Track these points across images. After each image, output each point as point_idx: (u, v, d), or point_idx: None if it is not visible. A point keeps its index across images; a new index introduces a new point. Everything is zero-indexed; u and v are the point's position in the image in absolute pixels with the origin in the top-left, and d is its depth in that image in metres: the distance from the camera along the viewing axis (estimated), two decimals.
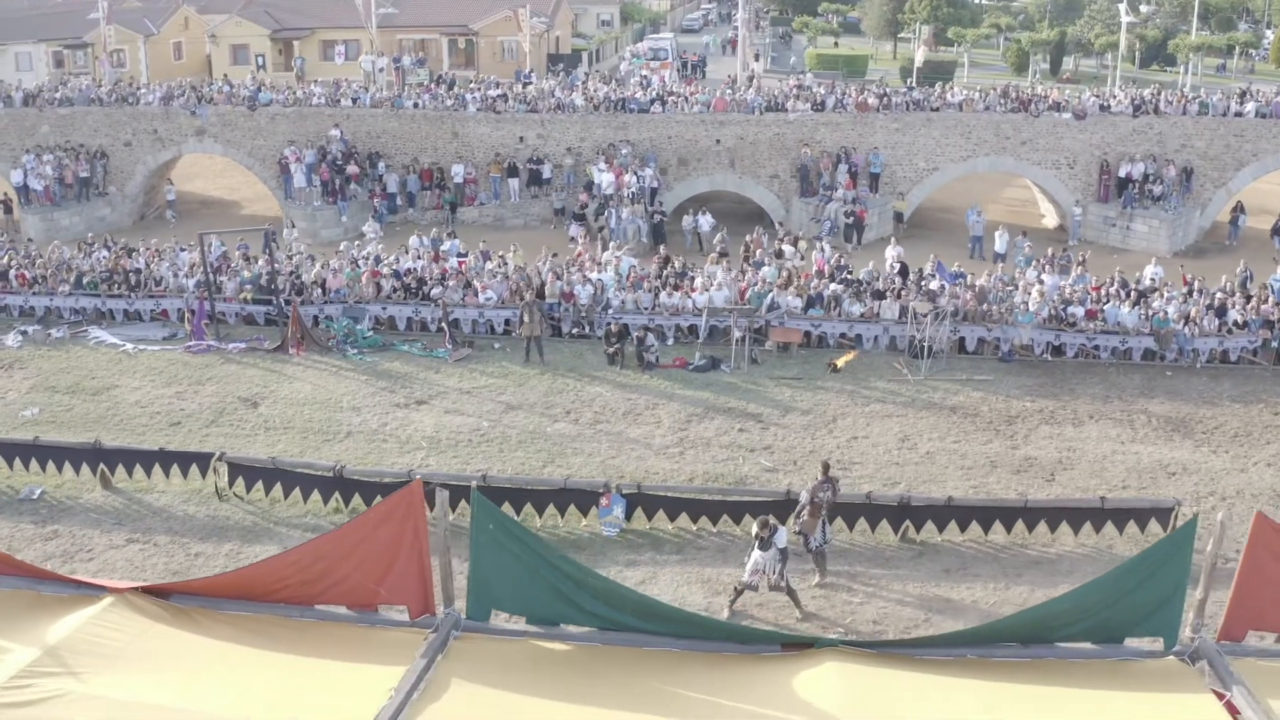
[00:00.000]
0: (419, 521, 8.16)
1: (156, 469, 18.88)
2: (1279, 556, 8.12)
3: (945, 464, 20.28)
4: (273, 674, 7.69)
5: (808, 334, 26.00)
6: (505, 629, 8.14)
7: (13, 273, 28.97)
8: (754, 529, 15.22)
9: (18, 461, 19.20)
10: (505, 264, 28.49)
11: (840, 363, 24.67)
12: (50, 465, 19.11)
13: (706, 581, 16.11)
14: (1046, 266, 28.13)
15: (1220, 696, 7.46)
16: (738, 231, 33.69)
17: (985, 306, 25.55)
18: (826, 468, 16.65)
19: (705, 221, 35.96)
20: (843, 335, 25.99)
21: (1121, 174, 36.30)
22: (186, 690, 7.44)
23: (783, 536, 15.15)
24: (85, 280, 28.53)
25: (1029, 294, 25.84)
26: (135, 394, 23.58)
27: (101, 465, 18.97)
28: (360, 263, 29.08)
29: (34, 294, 28.64)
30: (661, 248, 31.34)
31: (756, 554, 15.02)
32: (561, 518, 17.74)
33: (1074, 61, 77.50)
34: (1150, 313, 25.10)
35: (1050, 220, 39.96)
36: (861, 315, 26.00)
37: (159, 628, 8.24)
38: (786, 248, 30.68)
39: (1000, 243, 33.26)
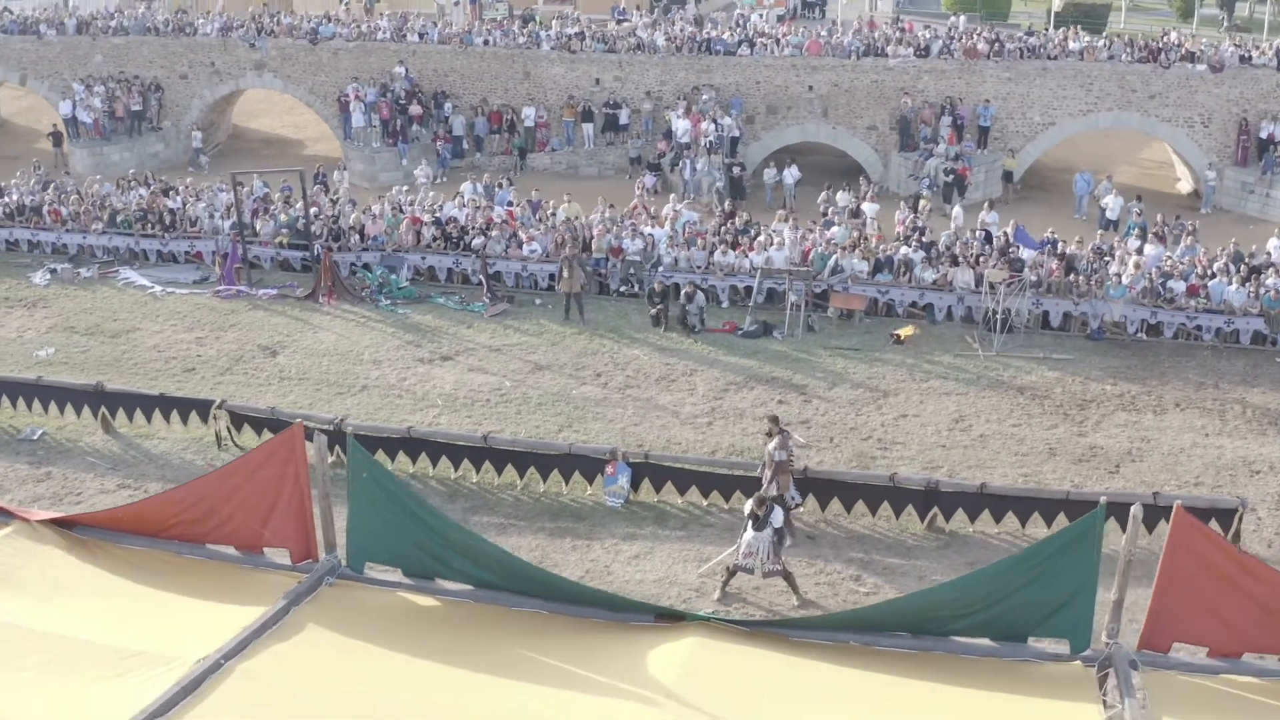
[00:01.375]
0: (300, 466, 8.81)
1: (157, 415, 20.05)
2: (1201, 560, 8.07)
3: (998, 449, 20.25)
4: (141, 606, 8.47)
5: (874, 301, 26.00)
6: (380, 580, 8.74)
7: (46, 208, 30.57)
8: (748, 506, 15.54)
9: (21, 401, 20.57)
10: (555, 215, 29.05)
11: (903, 334, 24.67)
12: (53, 407, 20.41)
13: (705, 560, 16.48)
14: (1151, 236, 27.53)
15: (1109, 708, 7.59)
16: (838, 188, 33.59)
17: (1073, 278, 25.20)
18: (775, 420, 17.32)
19: (790, 175, 35.96)
20: (912, 304, 25.92)
21: (1263, 135, 35.12)
22: (51, 613, 8.27)
23: (779, 516, 15.44)
24: (119, 219, 30.00)
25: (1125, 265, 25.40)
26: (155, 338, 24.90)
27: (103, 408, 20.19)
28: (405, 209, 29.97)
29: (67, 231, 30.26)
30: (727, 203, 31.53)
31: (750, 534, 15.30)
32: (566, 485, 18.32)
33: (1249, 7, 74.51)
34: (1261, 291, 24.47)
35: (1185, 185, 38.92)
36: (934, 282, 25.89)
37: (53, 556, 9.12)
38: (867, 206, 30.61)
39: (1114, 208, 32.60)
